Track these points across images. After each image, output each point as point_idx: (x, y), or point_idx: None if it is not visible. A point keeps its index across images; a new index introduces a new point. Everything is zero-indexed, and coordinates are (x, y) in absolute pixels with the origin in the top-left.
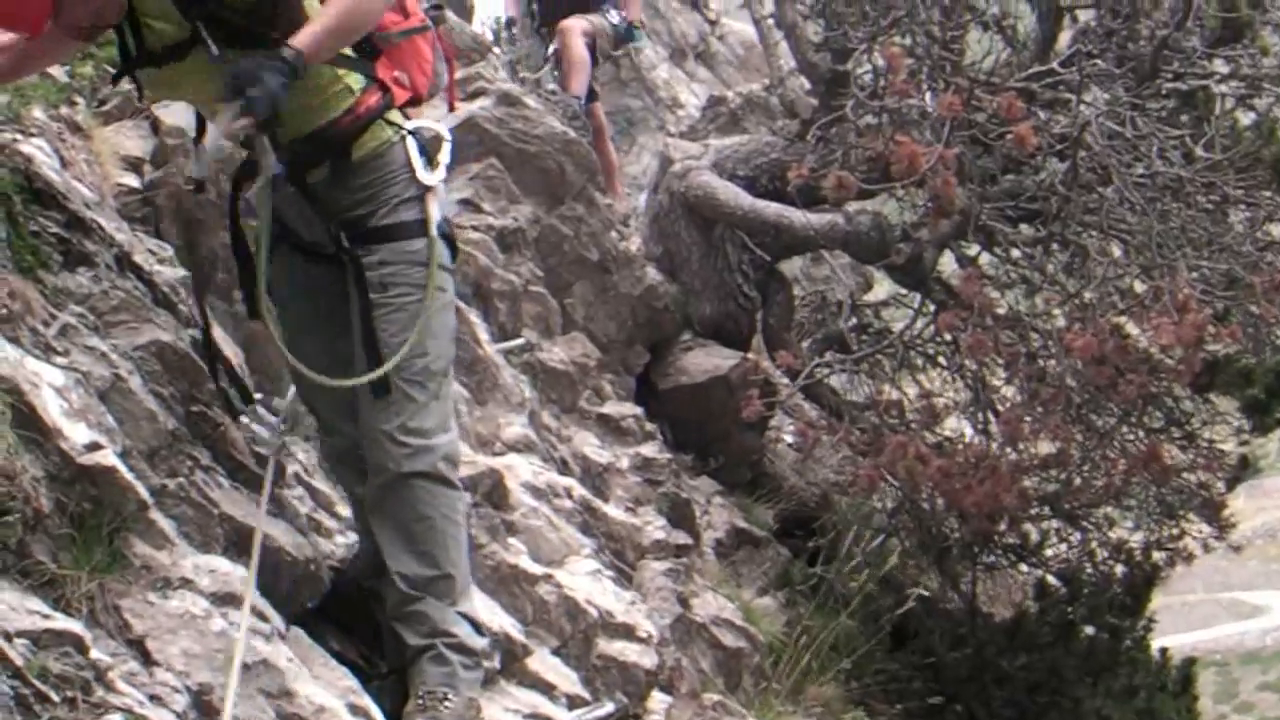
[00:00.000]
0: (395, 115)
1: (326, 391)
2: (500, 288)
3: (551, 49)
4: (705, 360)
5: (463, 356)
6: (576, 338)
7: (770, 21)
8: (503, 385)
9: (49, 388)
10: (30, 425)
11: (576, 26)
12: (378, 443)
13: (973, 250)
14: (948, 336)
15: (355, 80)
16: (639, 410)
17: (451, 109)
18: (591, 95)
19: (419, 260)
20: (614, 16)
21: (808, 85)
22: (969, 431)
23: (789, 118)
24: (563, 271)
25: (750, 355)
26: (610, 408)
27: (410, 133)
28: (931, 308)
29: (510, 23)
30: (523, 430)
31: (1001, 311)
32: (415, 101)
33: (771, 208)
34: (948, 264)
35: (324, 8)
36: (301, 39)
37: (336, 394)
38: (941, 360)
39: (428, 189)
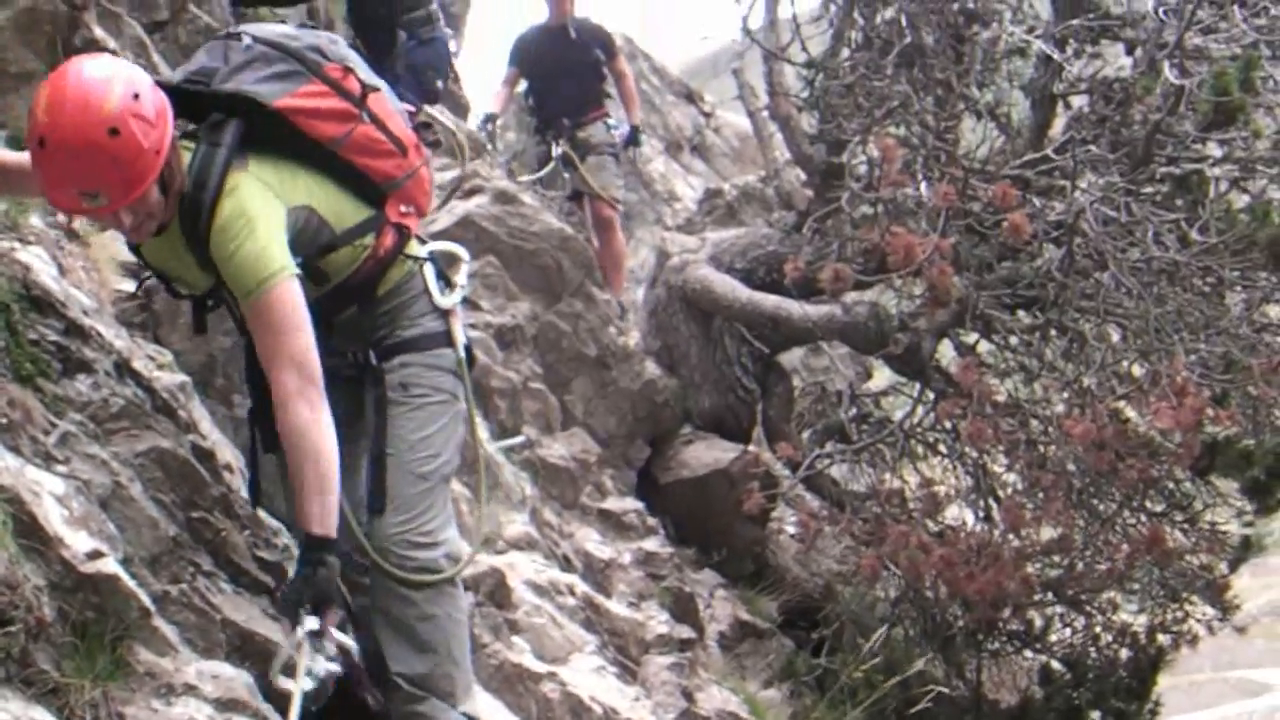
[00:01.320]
0: (412, 246)
1: None
2: (500, 385)
3: (558, 152)
4: (706, 454)
5: (463, 455)
6: (576, 434)
7: (765, 114)
8: (504, 484)
9: (50, 496)
10: (32, 534)
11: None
12: (383, 542)
13: (971, 338)
14: (948, 424)
15: (368, 238)
16: (640, 505)
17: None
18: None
19: (440, 365)
20: (618, 128)
21: (803, 176)
22: (971, 519)
23: (785, 209)
24: (562, 368)
25: (751, 448)
26: (611, 503)
27: (428, 258)
28: (931, 396)
29: (490, 118)
30: (524, 528)
31: (1001, 399)
32: (420, 216)
33: (769, 300)
34: (946, 352)
35: (294, 480)
36: (310, 524)
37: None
38: (942, 448)
39: (447, 311)
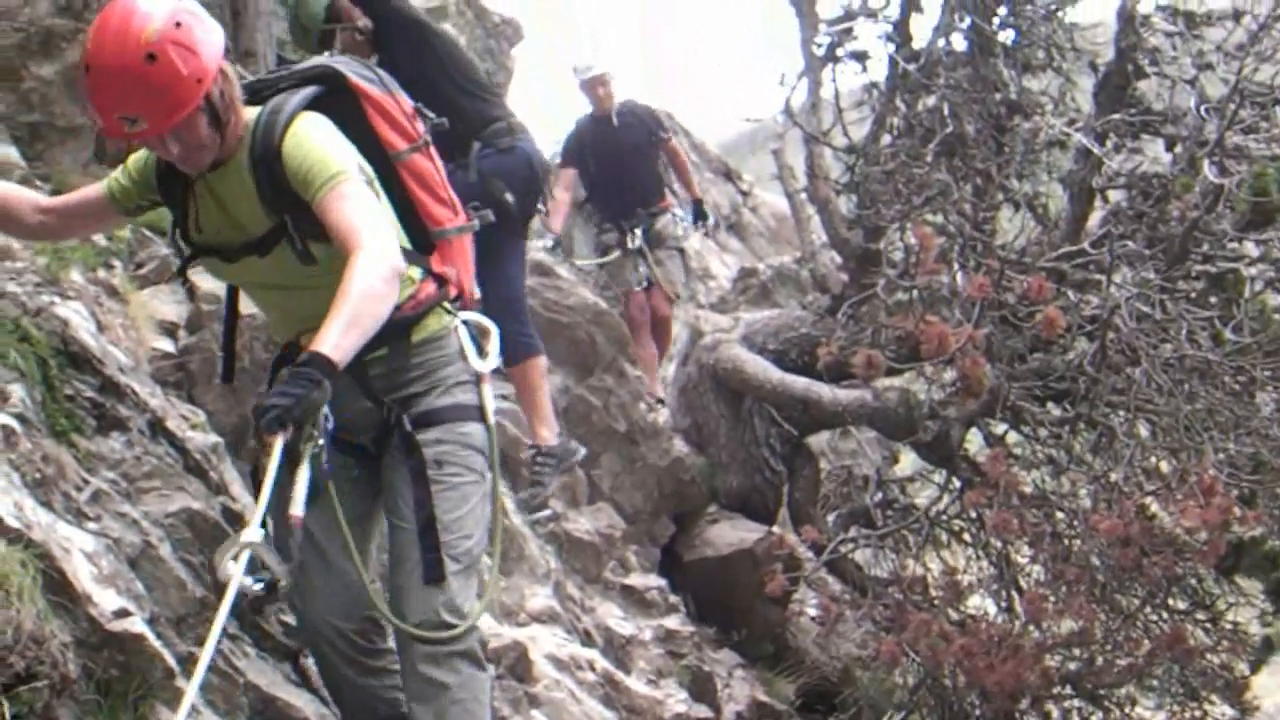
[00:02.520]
0: (448, 305)
1: (335, 586)
2: (527, 457)
3: (635, 244)
4: (731, 533)
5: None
6: (602, 508)
7: (803, 196)
8: (529, 556)
9: (80, 553)
10: (60, 590)
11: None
12: (424, 614)
13: (1000, 428)
14: (973, 514)
15: (415, 271)
16: (663, 582)
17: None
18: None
19: (472, 444)
20: (681, 217)
21: (839, 260)
22: (992, 609)
23: (819, 292)
24: (591, 442)
25: (775, 529)
26: (635, 579)
27: (463, 322)
28: (957, 485)
29: (558, 243)
30: (547, 601)
31: (1027, 490)
32: (459, 300)
33: (800, 382)
34: (974, 441)
35: (336, 302)
36: (324, 342)
37: (347, 588)
38: (966, 537)
39: (480, 375)
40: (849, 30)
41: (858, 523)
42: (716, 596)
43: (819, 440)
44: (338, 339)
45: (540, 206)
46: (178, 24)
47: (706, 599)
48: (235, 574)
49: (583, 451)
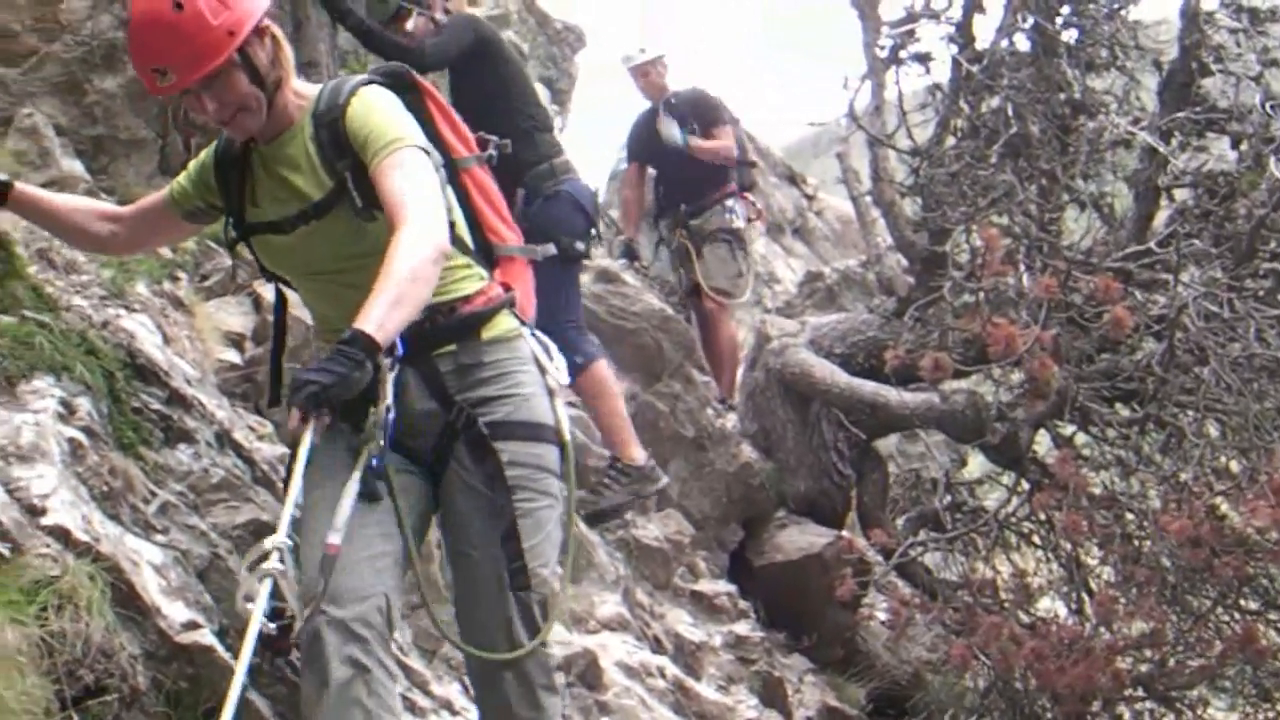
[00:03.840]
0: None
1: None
2: (596, 464)
3: (675, 244)
4: (799, 538)
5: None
6: (671, 514)
7: (868, 199)
8: (598, 564)
9: (148, 566)
10: (129, 603)
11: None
12: (493, 643)
13: (1068, 430)
14: (1042, 516)
15: (480, 271)
16: (732, 588)
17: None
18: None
19: (547, 467)
20: (731, 206)
21: (904, 263)
22: (1063, 611)
23: (885, 295)
24: (659, 448)
25: (844, 533)
26: (704, 585)
27: (532, 332)
28: (1026, 487)
29: (631, 252)
30: (617, 608)
31: (1097, 491)
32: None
33: (868, 386)
34: (1043, 443)
35: (380, 280)
36: (368, 320)
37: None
38: (1036, 539)
39: (553, 388)
40: (911, 32)
41: (927, 526)
42: (786, 601)
43: (887, 444)
44: (382, 318)
45: (594, 233)
46: None
47: (776, 604)
48: (258, 600)
49: (665, 480)
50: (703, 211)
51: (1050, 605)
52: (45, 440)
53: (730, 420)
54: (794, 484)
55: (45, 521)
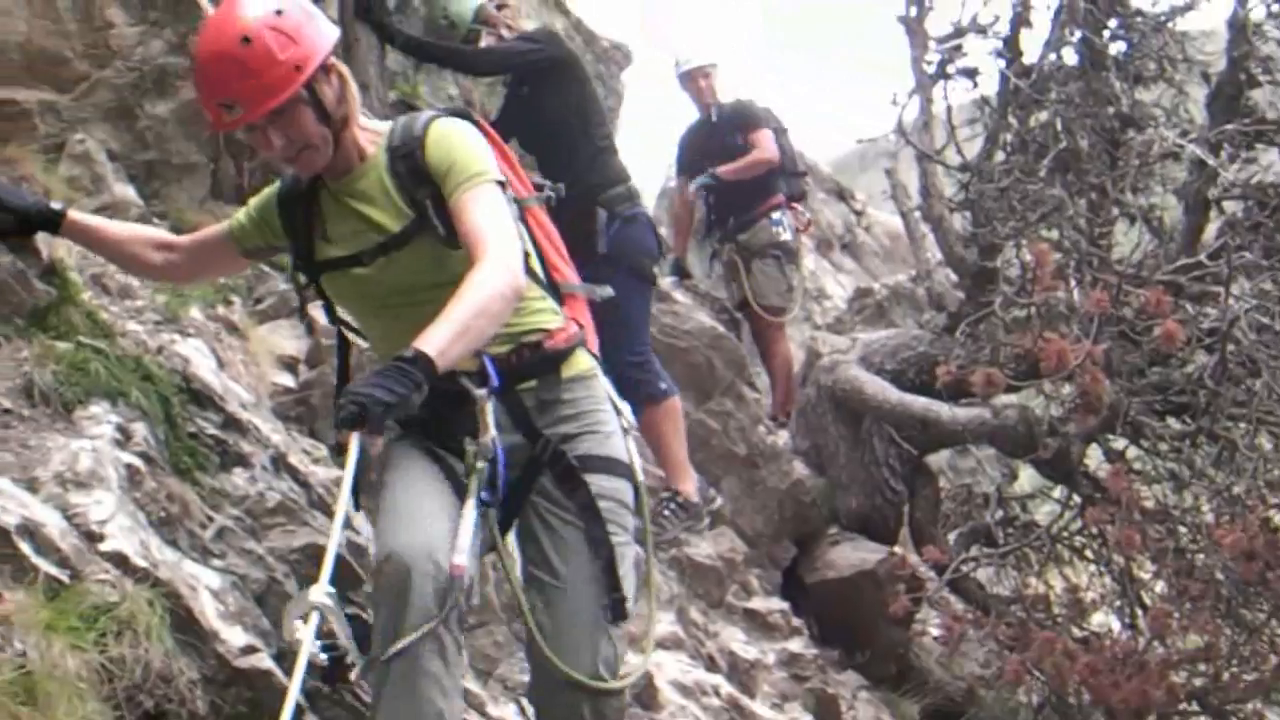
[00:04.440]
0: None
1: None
2: (650, 483)
3: (724, 259)
4: (852, 554)
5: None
6: (724, 532)
7: (917, 214)
8: (652, 582)
9: (206, 590)
10: (187, 628)
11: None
12: (590, 674)
13: (1120, 444)
14: (1095, 530)
15: (556, 306)
16: (785, 605)
17: None
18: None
19: (626, 503)
20: (778, 219)
21: (954, 278)
22: (1116, 626)
23: (936, 310)
24: (711, 466)
25: (897, 549)
26: (757, 602)
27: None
28: (1078, 501)
29: (682, 270)
30: (670, 627)
31: (1149, 505)
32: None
33: (919, 401)
34: (1094, 457)
35: (450, 307)
36: (431, 343)
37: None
38: (1089, 554)
39: (628, 430)
40: (959, 47)
41: (979, 541)
42: (839, 618)
43: (938, 459)
44: (445, 344)
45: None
46: (278, 11)
47: (829, 621)
48: (306, 639)
49: (719, 501)
50: (750, 225)
51: (1104, 620)
52: (102, 466)
53: (782, 437)
54: (846, 500)
55: (104, 548)
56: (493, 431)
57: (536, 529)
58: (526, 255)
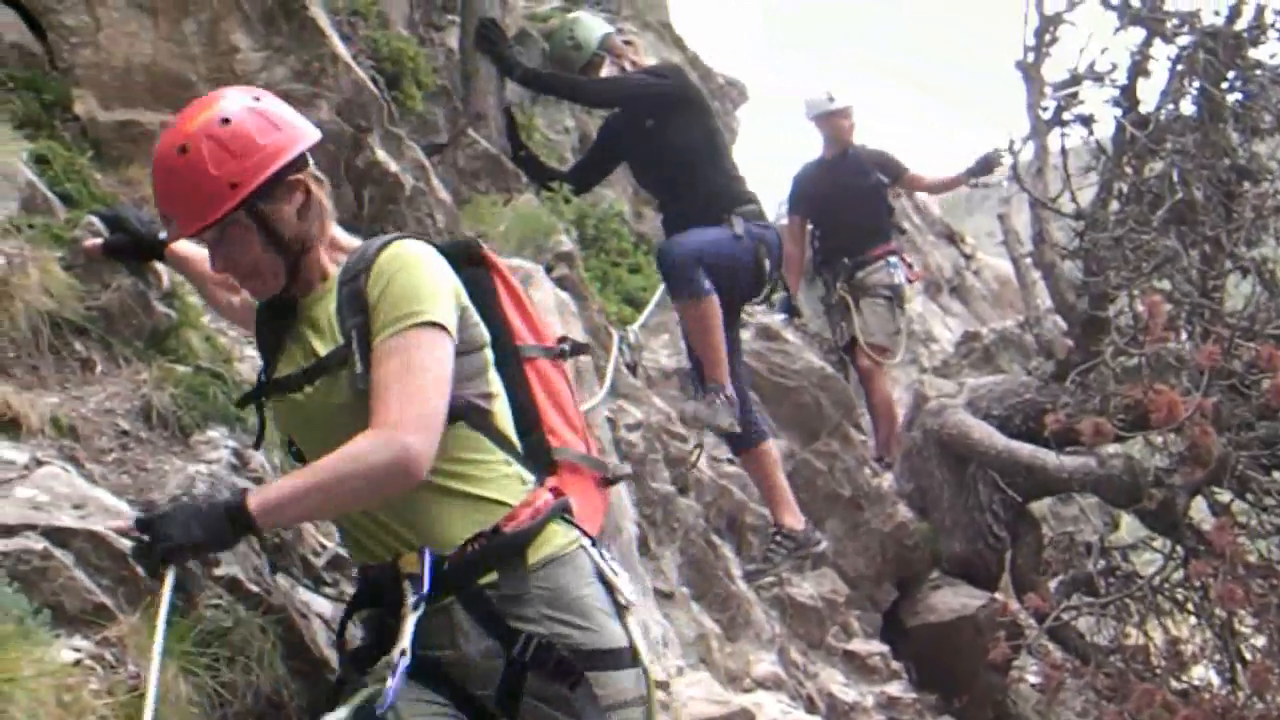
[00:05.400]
0: (572, 518)
1: None
2: (754, 521)
3: (835, 297)
4: (953, 599)
5: (716, 593)
6: (826, 573)
7: (1028, 260)
8: (754, 621)
9: (318, 618)
10: (299, 655)
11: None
12: None
13: (1225, 497)
14: (1197, 583)
15: (526, 474)
16: (885, 648)
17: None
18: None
19: (628, 700)
20: (895, 264)
21: (1063, 325)
22: (1216, 680)
23: (1044, 357)
24: (815, 507)
25: (998, 595)
26: (857, 644)
27: (593, 541)
28: (1181, 553)
29: (791, 308)
30: (771, 667)
31: (1253, 559)
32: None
33: (1025, 449)
34: (1199, 509)
35: (309, 466)
36: (259, 498)
37: None
38: (1190, 607)
39: (627, 607)
40: (1075, 94)
41: (1080, 590)
42: (938, 663)
43: (1040, 505)
44: (278, 503)
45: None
46: (224, 119)
47: (928, 665)
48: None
49: (824, 545)
50: (865, 265)
51: (1203, 674)
52: (218, 491)
53: (887, 479)
54: (949, 545)
55: (218, 572)
56: (404, 644)
57: None
58: (488, 415)
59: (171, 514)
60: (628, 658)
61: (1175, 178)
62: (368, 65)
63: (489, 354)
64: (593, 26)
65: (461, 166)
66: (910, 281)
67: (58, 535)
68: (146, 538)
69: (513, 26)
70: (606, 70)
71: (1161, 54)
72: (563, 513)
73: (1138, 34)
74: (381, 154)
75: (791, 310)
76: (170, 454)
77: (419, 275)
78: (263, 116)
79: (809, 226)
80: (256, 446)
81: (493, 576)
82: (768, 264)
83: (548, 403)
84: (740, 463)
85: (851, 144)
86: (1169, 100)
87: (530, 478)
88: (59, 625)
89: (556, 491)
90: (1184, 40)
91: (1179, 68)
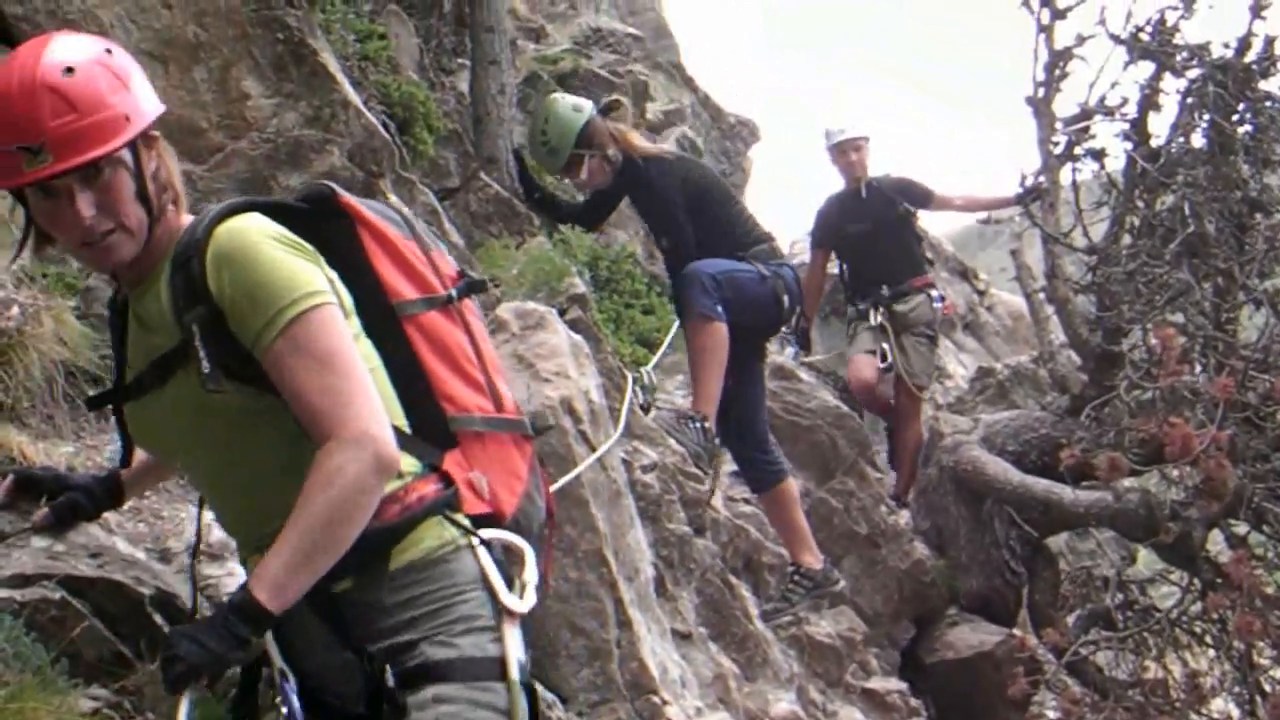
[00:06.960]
0: (460, 517)
1: None
2: (770, 561)
3: (875, 321)
4: (971, 636)
5: (734, 632)
6: (844, 611)
7: (1041, 295)
8: (772, 661)
9: None
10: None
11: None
12: None
13: (1242, 529)
14: (1215, 616)
15: (408, 461)
16: (904, 685)
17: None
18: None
19: (492, 706)
20: (939, 301)
21: (1078, 360)
22: (1235, 713)
23: (1059, 392)
24: (832, 545)
25: (1016, 631)
26: (876, 682)
27: (483, 541)
28: (1199, 586)
29: (803, 338)
30: (790, 706)
31: (1270, 592)
32: (491, 522)
33: (1041, 484)
34: (1216, 542)
35: (292, 520)
36: (262, 583)
37: None
38: (1208, 640)
39: (508, 615)
40: (1086, 129)
41: (1098, 624)
42: (957, 699)
43: (1056, 540)
44: (282, 580)
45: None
46: (108, 50)
47: (947, 702)
48: None
49: (842, 583)
50: (905, 295)
51: (1222, 706)
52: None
53: (903, 517)
54: (966, 581)
55: None
56: (278, 662)
57: None
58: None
59: (183, 641)
60: (493, 669)
61: (1187, 211)
62: (379, 110)
63: (356, 322)
64: (567, 121)
65: (473, 210)
66: (945, 315)
67: (75, 584)
68: (174, 671)
69: (522, 69)
70: (588, 167)
71: (1171, 87)
72: (445, 507)
73: (1147, 68)
74: (394, 199)
75: (804, 344)
76: (186, 501)
77: (267, 257)
78: (131, 60)
79: (835, 261)
80: (123, 465)
81: (347, 583)
82: (786, 300)
83: (439, 364)
84: (758, 500)
85: (865, 175)
86: (1179, 133)
87: (414, 464)
88: (77, 674)
89: (447, 478)
90: (1194, 73)
91: (1189, 101)
